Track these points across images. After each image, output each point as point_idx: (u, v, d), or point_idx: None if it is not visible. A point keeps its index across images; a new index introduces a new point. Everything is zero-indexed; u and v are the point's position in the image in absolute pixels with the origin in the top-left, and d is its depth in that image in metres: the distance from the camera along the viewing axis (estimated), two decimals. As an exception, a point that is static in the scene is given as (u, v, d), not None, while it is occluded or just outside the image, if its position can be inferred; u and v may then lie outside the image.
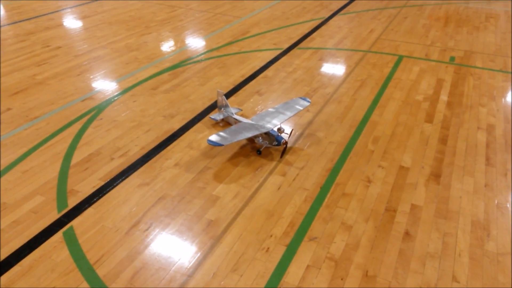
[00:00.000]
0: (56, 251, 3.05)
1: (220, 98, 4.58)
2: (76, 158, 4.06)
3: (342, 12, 8.60)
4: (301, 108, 4.39)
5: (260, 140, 4.07)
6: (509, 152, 4.16)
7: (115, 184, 3.71)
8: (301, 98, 4.54)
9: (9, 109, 4.92)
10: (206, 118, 4.75)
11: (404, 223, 3.31)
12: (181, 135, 4.44)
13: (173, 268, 2.93)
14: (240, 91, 5.38)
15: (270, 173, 3.86)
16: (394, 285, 2.83)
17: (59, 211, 3.42)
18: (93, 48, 6.72)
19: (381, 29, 7.60)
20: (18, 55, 6.40)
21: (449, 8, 8.86)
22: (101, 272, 2.89)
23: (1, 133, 4.43)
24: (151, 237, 3.17)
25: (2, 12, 8.56)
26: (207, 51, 6.63)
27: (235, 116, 4.43)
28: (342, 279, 2.86)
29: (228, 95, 5.26)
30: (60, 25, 7.85)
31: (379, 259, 3.00)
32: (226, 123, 4.60)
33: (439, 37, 7.17)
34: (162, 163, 3.99)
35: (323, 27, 7.72)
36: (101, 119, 4.74)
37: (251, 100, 5.16)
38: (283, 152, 4.03)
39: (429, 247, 3.11)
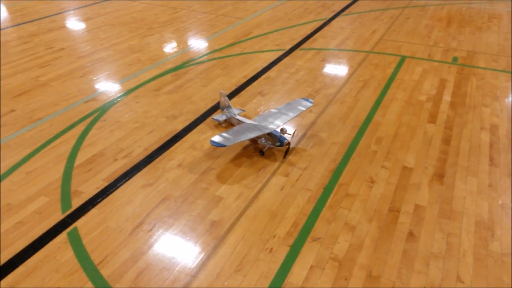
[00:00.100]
0: (61, 252, 3.06)
1: (222, 99, 4.59)
2: (79, 159, 4.08)
3: (344, 13, 8.60)
4: (303, 109, 4.39)
5: (263, 141, 4.07)
6: (512, 152, 4.15)
7: (118, 185, 3.72)
8: (303, 98, 4.54)
9: (12, 110, 4.95)
10: (209, 119, 4.76)
11: (408, 223, 3.31)
12: (184, 136, 4.45)
13: (176, 268, 2.94)
14: (243, 92, 5.39)
15: (273, 173, 3.87)
16: (398, 286, 2.82)
17: (63, 212, 3.43)
18: (96, 50, 6.74)
19: (383, 29, 7.60)
20: (22, 57, 6.43)
21: (451, 8, 8.85)
22: (105, 272, 2.90)
23: (5, 135, 4.45)
24: (154, 237, 3.18)
25: (5, 14, 8.60)
26: (210, 52, 6.65)
27: (238, 117, 4.44)
28: (345, 279, 2.86)
29: (231, 96, 5.27)
30: (63, 27, 7.88)
31: (382, 260, 3.00)
32: (229, 124, 4.61)
33: (442, 38, 7.17)
34: (165, 164, 4.00)
35: (326, 28, 7.72)
36: (104, 120, 4.75)
37: (254, 101, 5.17)
38: (286, 153, 4.04)
39: (433, 247, 3.10)
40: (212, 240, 3.16)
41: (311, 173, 3.87)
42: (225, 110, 4.63)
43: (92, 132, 4.52)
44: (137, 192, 3.64)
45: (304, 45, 6.90)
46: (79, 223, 3.31)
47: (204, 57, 6.49)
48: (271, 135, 4.02)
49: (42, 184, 3.74)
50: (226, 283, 2.83)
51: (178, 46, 6.96)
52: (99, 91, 5.44)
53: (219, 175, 3.84)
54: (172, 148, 4.24)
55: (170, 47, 6.89)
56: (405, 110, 4.91)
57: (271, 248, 3.08)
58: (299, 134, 4.47)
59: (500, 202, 3.54)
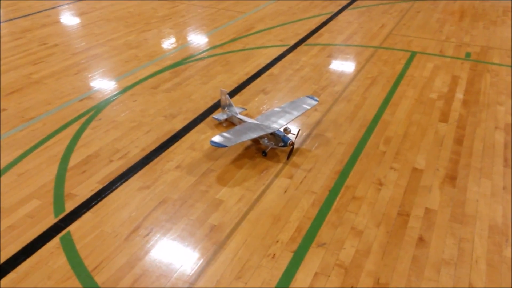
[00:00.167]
0: (53, 258, 3.06)
1: (223, 97, 4.59)
2: (73, 160, 4.08)
3: (351, 6, 8.59)
4: (308, 107, 4.39)
5: (266, 141, 4.07)
6: (529, 153, 4.13)
7: (114, 188, 3.73)
8: (308, 96, 4.54)
9: (4, 109, 4.96)
10: (209, 118, 4.76)
11: (418, 228, 3.30)
12: (183, 136, 4.45)
13: (174, 275, 2.94)
14: (245, 90, 5.39)
15: (276, 175, 3.86)
16: (407, 294, 2.82)
17: (56, 215, 3.44)
18: (91, 46, 6.76)
19: (392, 24, 7.58)
20: (14, 54, 6.45)
21: (464, 1, 8.82)
22: (99, 279, 2.90)
23: (-4, 135, 4.47)
24: (151, 242, 3.18)
25: (-3, 9, 8.64)
26: (210, 48, 6.65)
27: (239, 116, 4.44)
28: (352, 287, 2.85)
29: (232, 94, 5.27)
30: (57, 22, 7.91)
31: (391, 266, 2.99)
32: (230, 123, 4.61)
33: (454, 32, 7.14)
34: (163, 165, 4.00)
35: (332, 22, 7.71)
36: (99, 119, 4.76)
37: (256, 99, 5.16)
38: (290, 154, 4.03)
39: (444, 253, 3.09)
40: (212, 245, 3.16)
41: (316, 175, 3.86)
42: (226, 108, 4.63)
43: (87, 132, 4.53)
44: (134, 195, 3.65)
45: (309, 41, 6.89)
46: (72, 228, 3.32)
47: (204, 53, 6.49)
48: (274, 135, 4.01)
49: (34, 186, 3.75)
50: (226, 290, 2.83)
51: (177, 41, 6.96)
52: (94, 89, 5.45)
53: (219, 177, 3.84)
54: (170, 149, 4.24)
55: (168, 43, 6.90)
56: (415, 108, 4.90)
57: (274, 254, 3.08)
58: (304, 134, 4.46)
59: (515, 205, 3.52)
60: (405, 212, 3.45)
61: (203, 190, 3.69)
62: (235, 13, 8.26)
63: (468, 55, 6.28)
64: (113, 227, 3.32)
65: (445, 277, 2.92)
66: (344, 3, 8.80)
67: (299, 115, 4.30)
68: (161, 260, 3.04)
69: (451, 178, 3.82)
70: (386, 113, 4.82)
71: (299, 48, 6.60)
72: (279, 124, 4.11)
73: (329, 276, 2.92)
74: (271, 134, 4.02)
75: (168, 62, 6.17)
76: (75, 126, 4.63)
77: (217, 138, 3.84)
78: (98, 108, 4.98)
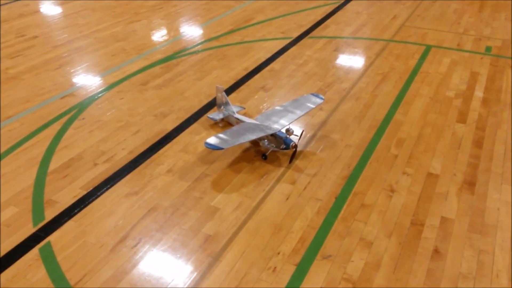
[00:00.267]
0: (32, 270, 3.07)
1: (219, 95, 4.61)
2: (54, 163, 4.09)
3: (360, -5, 8.62)
4: (313, 106, 4.40)
5: (266, 143, 4.08)
6: (555, 156, 4.15)
7: (99, 194, 3.74)
8: (313, 94, 4.55)
9: (-22, 107, 4.98)
10: (203, 118, 4.77)
11: (433, 239, 3.31)
12: (174, 137, 4.46)
13: (165, 290, 2.94)
14: (243, 87, 5.40)
15: (278, 181, 3.87)
16: (421, 311, 2.82)
17: (34, 224, 3.45)
18: (74, 38, 6.77)
19: (405, 15, 7.60)
20: (-11, 46, 6.47)
21: (484, -10, 8.85)
22: (82, 294, 2.91)
23: (-31, 135, 4.47)
24: (140, 254, 3.19)
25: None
26: (205, 41, 6.67)
27: (237, 116, 4.45)
28: (360, 303, 2.86)
29: (229, 91, 5.28)
30: (37, 11, 7.92)
31: (403, 281, 3.00)
32: (227, 123, 4.62)
33: (473, 24, 7.17)
34: (152, 169, 4.01)
35: (339, 13, 7.74)
36: (83, 119, 4.77)
37: (256, 97, 5.18)
38: (292, 157, 4.05)
39: (461, 266, 3.10)
40: (207, 257, 3.16)
41: (322, 180, 3.88)
42: (222, 107, 4.65)
43: (69, 132, 4.54)
44: (120, 202, 3.66)
45: (314, 33, 6.91)
46: (53, 238, 3.32)
47: (199, 46, 6.51)
48: (275, 137, 4.02)
49: (11, 192, 3.76)
50: (222, 307, 2.84)
51: (168, 33, 6.98)
52: (77, 85, 5.47)
53: (214, 182, 3.85)
54: (161, 151, 4.25)
55: (159, 35, 6.92)
56: (430, 107, 4.92)
57: (275, 267, 3.09)
58: (308, 135, 4.48)
59: (540, 214, 3.53)
60: (419, 221, 3.46)
61: (197, 196, 3.70)
62: (232, 2, 8.28)
63: (488, 49, 6.31)
64: (97, 237, 3.33)
65: (463, 292, 2.93)
66: (353, -9, 8.83)
67: (302, 115, 4.31)
68: (150, 273, 3.05)
69: (469, 184, 3.83)
70: (398, 112, 4.83)
71: (302, 41, 6.62)
72: (280, 124, 4.12)
73: (335, 291, 2.93)
74: (272, 135, 4.03)
75: (159, 56, 6.19)
76: (56, 126, 4.64)
77: (212, 140, 3.85)
78: (81, 107, 5.00)
